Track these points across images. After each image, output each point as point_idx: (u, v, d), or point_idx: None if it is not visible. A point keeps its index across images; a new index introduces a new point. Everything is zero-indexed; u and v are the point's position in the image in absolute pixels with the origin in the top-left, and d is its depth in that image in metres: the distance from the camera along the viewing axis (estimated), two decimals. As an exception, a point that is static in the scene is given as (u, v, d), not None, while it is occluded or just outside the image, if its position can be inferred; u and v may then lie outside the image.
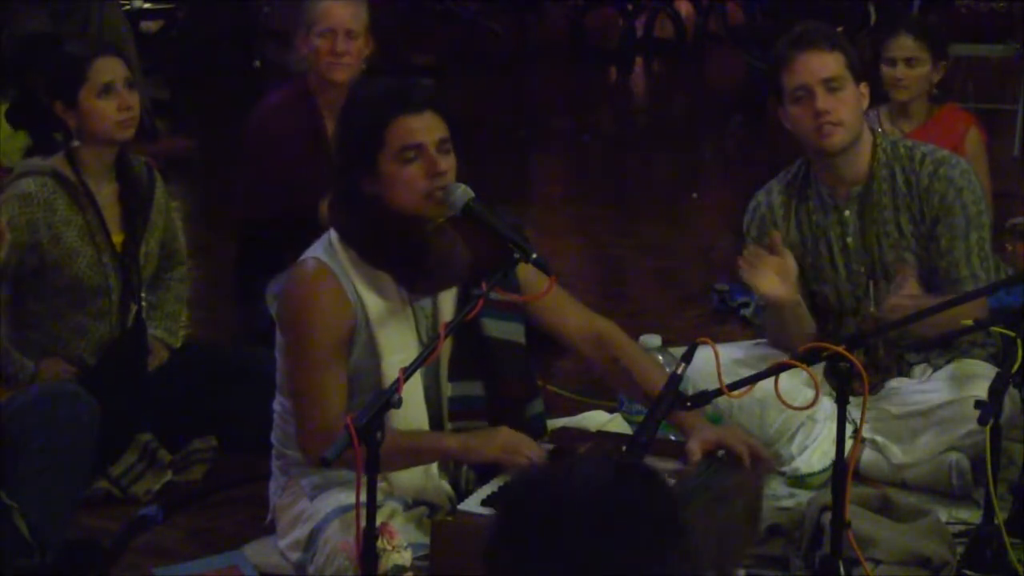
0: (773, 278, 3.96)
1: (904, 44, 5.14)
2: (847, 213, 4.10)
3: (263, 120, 4.84)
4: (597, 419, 4.24)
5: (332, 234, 3.40)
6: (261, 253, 4.62)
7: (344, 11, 4.79)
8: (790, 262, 3.98)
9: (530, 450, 3.33)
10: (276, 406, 3.54)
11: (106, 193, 4.20)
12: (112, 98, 4.11)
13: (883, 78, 5.16)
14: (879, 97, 5.29)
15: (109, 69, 4.13)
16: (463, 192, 3.29)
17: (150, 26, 10.53)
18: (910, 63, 5.13)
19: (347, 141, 3.42)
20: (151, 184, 4.33)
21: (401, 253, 3.35)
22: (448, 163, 3.31)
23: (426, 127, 3.30)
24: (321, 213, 4.28)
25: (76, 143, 4.14)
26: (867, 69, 5.23)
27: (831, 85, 3.96)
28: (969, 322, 3.42)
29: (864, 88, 4.04)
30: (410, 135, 3.28)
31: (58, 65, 4.25)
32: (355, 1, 4.84)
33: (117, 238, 4.20)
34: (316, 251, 3.40)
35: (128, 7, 9.58)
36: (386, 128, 3.28)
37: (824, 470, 3.91)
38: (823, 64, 3.97)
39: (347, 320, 3.34)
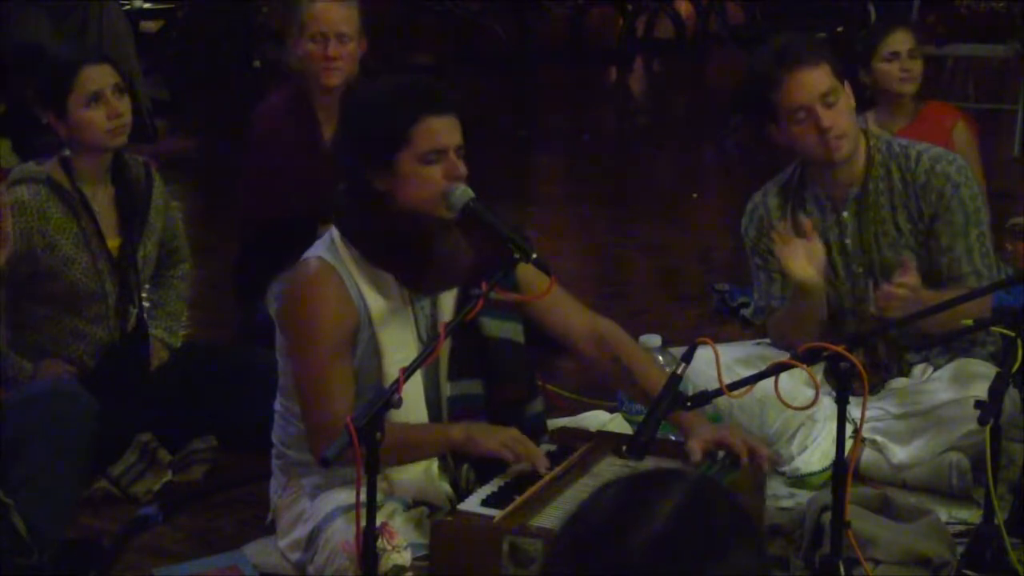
0: (804, 259, 3.94)
1: (904, 37, 5.18)
2: (845, 215, 4.10)
3: (260, 124, 4.80)
4: (597, 419, 4.24)
5: (335, 232, 3.40)
6: (261, 254, 4.61)
7: (336, 14, 4.72)
8: (818, 247, 3.95)
9: (534, 450, 3.33)
10: (277, 406, 3.54)
11: (102, 198, 4.18)
12: (100, 107, 4.07)
13: (883, 76, 5.16)
14: (864, 103, 5.30)
15: (96, 78, 4.08)
16: (463, 192, 3.29)
17: (150, 26, 10.53)
18: (912, 54, 5.16)
19: (363, 137, 3.35)
20: (149, 185, 4.30)
21: (405, 253, 3.35)
22: (464, 169, 3.32)
23: (449, 130, 3.30)
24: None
25: (67, 152, 4.12)
26: (857, 67, 5.25)
27: (828, 100, 3.94)
28: (969, 322, 3.42)
29: (848, 88, 4.02)
30: (436, 137, 3.28)
31: (45, 76, 4.20)
32: (347, 3, 4.77)
33: (113, 243, 4.18)
34: (318, 250, 3.40)
35: (128, 7, 9.59)
36: (413, 127, 3.27)
37: (824, 470, 3.91)
38: (816, 81, 3.93)
39: (350, 318, 3.34)
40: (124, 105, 4.11)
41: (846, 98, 3.99)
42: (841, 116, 3.95)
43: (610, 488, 1.63)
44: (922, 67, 5.18)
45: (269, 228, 4.66)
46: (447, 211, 3.29)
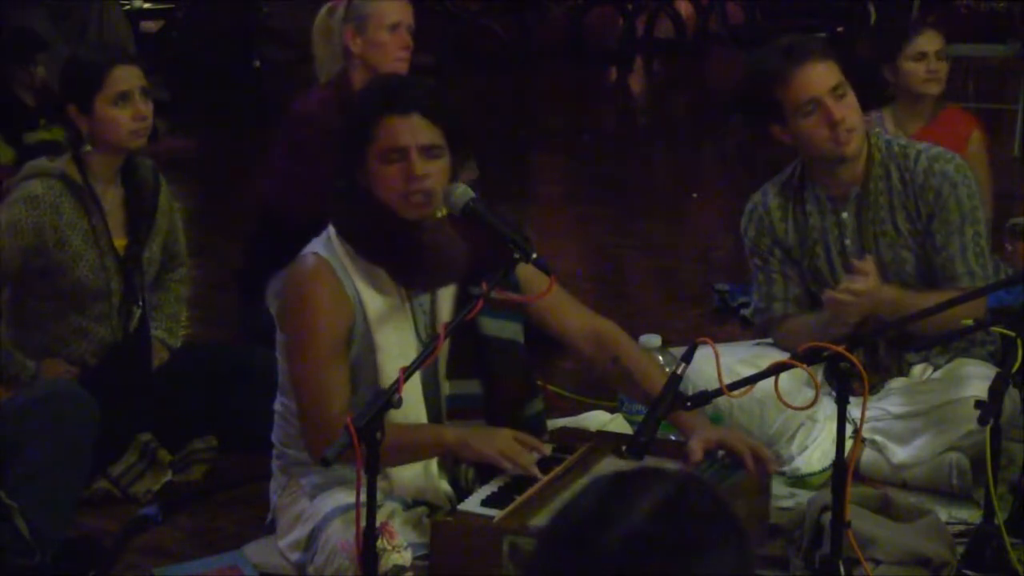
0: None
1: (934, 38, 5.16)
2: (845, 215, 4.10)
3: (301, 122, 4.75)
4: (597, 419, 4.24)
5: (331, 230, 3.41)
6: (268, 252, 4.58)
7: (407, 5, 4.79)
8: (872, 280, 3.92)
9: (531, 454, 3.32)
10: (277, 406, 3.54)
11: (111, 197, 4.19)
12: (127, 107, 4.09)
13: (908, 76, 5.12)
14: (883, 99, 5.29)
15: (126, 78, 4.11)
16: (463, 192, 3.28)
17: (150, 26, 10.54)
18: (939, 55, 5.14)
19: (342, 133, 3.43)
20: (156, 187, 4.32)
21: (394, 248, 3.35)
22: (431, 168, 3.30)
23: (410, 130, 3.30)
24: None
25: (88, 148, 4.13)
26: (866, 70, 5.23)
27: (838, 93, 3.95)
28: (969, 322, 3.42)
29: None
30: (394, 137, 3.29)
31: (75, 70, 4.21)
32: None
33: (120, 242, 4.19)
34: (316, 247, 3.40)
35: (128, 7, 9.60)
36: (373, 126, 3.30)
37: (824, 470, 3.91)
38: (825, 74, 3.94)
39: (346, 316, 3.34)
40: (148, 108, 4.14)
41: (853, 96, 3.99)
42: (851, 110, 3.96)
43: (593, 485, 1.62)
44: (947, 70, 5.16)
45: (304, 224, 4.62)
46: (418, 212, 3.29)
